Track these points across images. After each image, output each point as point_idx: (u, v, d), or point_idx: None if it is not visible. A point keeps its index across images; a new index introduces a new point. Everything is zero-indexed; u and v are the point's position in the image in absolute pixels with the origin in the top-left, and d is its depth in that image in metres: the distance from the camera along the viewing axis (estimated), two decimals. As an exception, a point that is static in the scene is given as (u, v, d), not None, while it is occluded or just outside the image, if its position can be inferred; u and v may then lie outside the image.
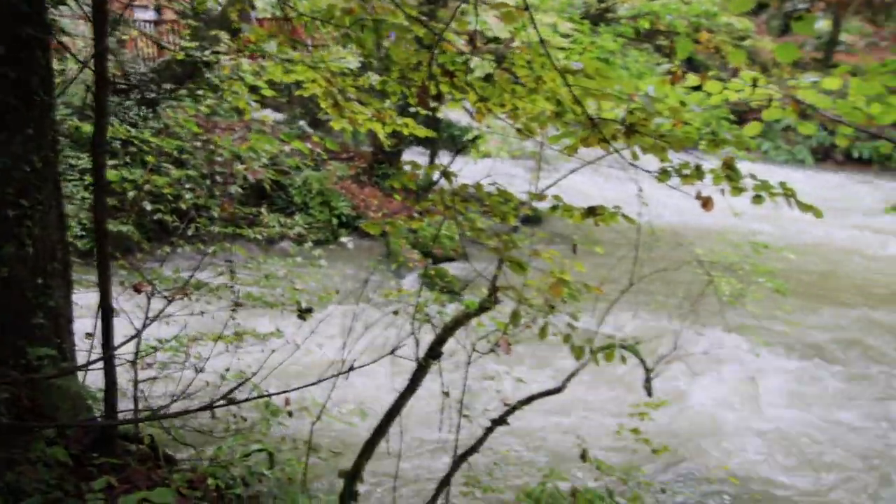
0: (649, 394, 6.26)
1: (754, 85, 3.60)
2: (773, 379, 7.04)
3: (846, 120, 3.50)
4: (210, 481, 4.11)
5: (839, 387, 7.12)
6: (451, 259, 11.49)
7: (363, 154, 15.91)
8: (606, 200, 4.07)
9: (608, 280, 5.15)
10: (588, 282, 4.92)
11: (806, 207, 2.95)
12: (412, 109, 5.21)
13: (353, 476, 4.69)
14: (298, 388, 3.61)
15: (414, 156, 15.03)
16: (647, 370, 6.03)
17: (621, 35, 11.20)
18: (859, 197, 16.53)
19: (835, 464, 5.92)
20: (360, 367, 4.06)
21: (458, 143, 15.35)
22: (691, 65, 20.52)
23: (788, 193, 2.91)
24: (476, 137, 12.09)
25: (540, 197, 3.45)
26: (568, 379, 4.82)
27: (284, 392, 4.40)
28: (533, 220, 11.12)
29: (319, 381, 3.46)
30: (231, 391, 3.62)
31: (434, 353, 4.55)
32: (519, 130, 3.42)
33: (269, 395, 4.55)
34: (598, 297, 5.02)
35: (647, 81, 3.67)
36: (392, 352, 4.05)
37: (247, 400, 3.95)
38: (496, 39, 9.49)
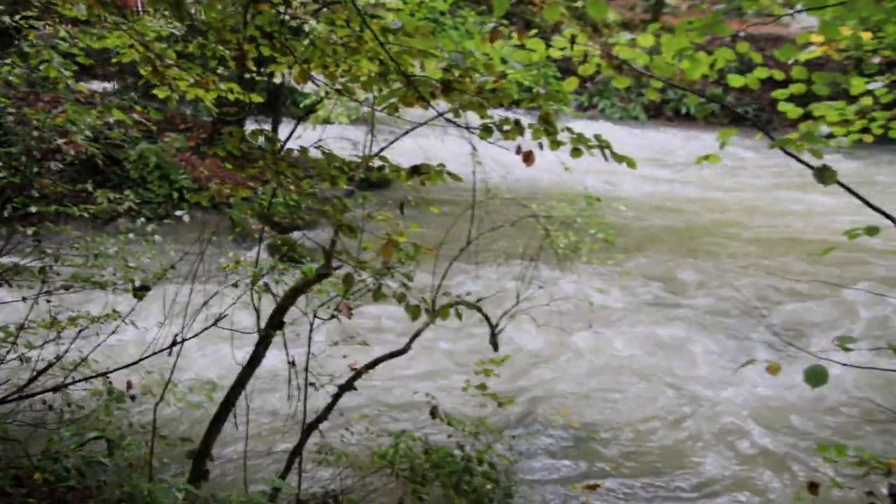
0: (496, 349, 6.43)
1: (572, 42, 3.71)
2: (609, 326, 7.44)
3: (657, 74, 3.67)
4: (37, 475, 3.88)
5: (671, 331, 7.61)
6: (297, 228, 11.29)
7: (203, 124, 15.29)
8: (451, 160, 4.12)
9: (451, 239, 5.22)
10: (428, 242, 4.97)
11: (620, 158, 3.08)
12: (248, 76, 5.03)
13: (201, 455, 4.56)
14: (120, 369, 3.45)
15: (257, 123, 14.60)
16: (492, 326, 6.19)
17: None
18: (684, 148, 17.55)
19: (664, 402, 6.33)
20: (186, 339, 3.92)
21: (303, 110, 15.03)
22: (529, 25, 20.93)
23: (603, 145, 3.03)
24: (316, 102, 11.88)
25: (367, 159, 3.42)
26: (412, 340, 4.87)
27: (106, 374, 4.20)
28: (381, 183, 11.07)
29: (142, 358, 3.32)
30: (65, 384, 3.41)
31: (275, 323, 4.47)
32: (339, 92, 3.37)
33: (88, 379, 4.33)
34: (439, 257, 5.09)
35: (475, 40, 3.71)
36: (215, 323, 3.94)
37: (66, 385, 3.73)
38: None
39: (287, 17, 3.13)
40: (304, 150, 3.34)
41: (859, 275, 9.30)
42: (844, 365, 2.65)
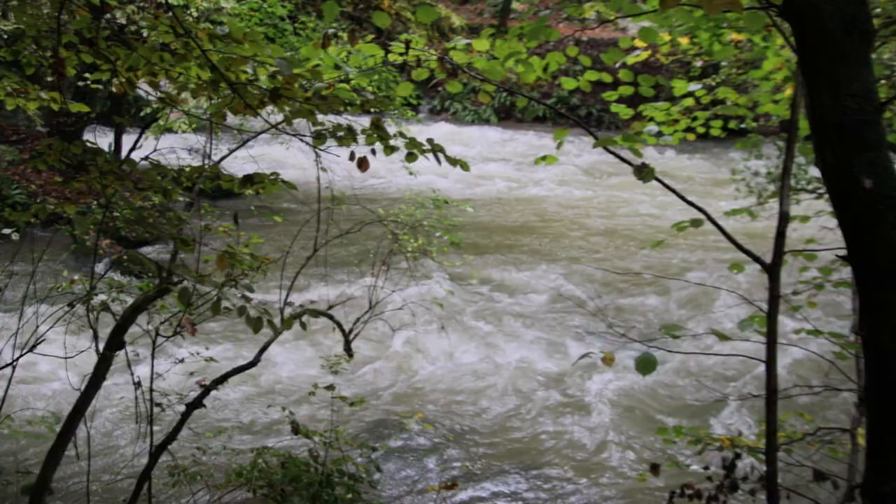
0: (350, 355, 6.39)
1: (407, 47, 3.73)
2: (459, 326, 7.57)
3: (490, 78, 3.75)
4: None
5: (516, 328, 7.84)
6: (146, 242, 10.83)
7: (38, 136, 14.38)
8: (311, 167, 4.05)
9: (298, 248, 5.15)
10: (274, 252, 4.87)
11: (453, 161, 3.12)
12: (81, 83, 4.75)
13: (39, 488, 4.28)
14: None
15: (98, 135, 13.89)
16: (345, 333, 6.15)
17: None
18: (532, 149, 18.10)
19: (513, 398, 6.51)
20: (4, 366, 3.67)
21: (147, 119, 14.42)
22: (380, 32, 20.97)
23: (436, 149, 3.06)
24: (156, 111, 11.42)
25: (198, 170, 3.31)
26: (261, 352, 4.76)
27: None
28: (229, 194, 10.75)
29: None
30: None
31: (115, 343, 4.26)
32: (162, 101, 3.24)
33: None
34: (287, 266, 5.00)
35: (308, 46, 3.66)
36: (31, 349, 3.71)
37: None
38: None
39: (106, 23, 2.98)
40: (131, 162, 3.19)
41: (687, 265, 9.91)
42: (670, 352, 2.79)
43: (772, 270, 2.34)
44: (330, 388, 5.02)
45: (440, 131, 20.25)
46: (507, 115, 23.33)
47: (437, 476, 5.34)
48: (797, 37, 1.87)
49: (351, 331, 6.37)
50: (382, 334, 6.64)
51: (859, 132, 1.78)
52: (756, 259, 2.41)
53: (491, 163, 16.84)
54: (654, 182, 3.09)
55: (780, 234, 2.41)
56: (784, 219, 2.49)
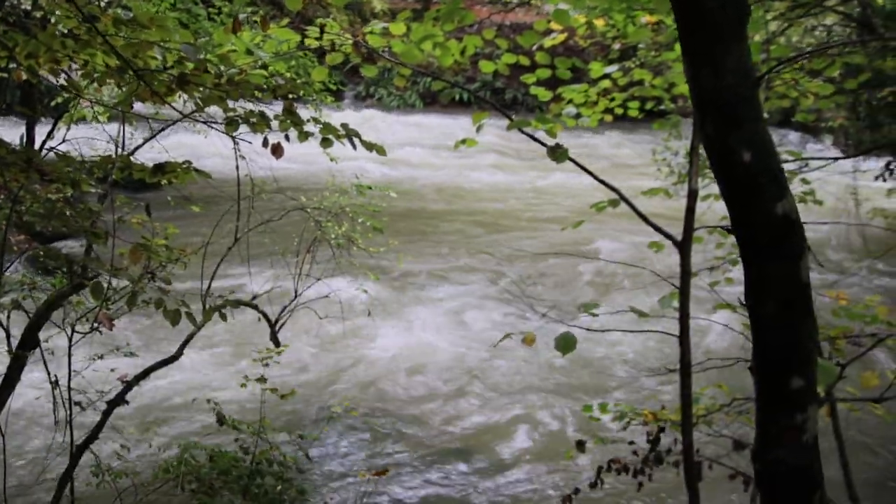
0: (277, 345, 6.32)
1: (322, 32, 3.69)
2: (385, 312, 7.58)
3: (408, 63, 3.73)
4: None
5: (441, 312, 7.89)
6: (64, 236, 10.47)
7: (-60, 129, 13.75)
8: (225, 156, 3.96)
9: (219, 238, 5.05)
10: (194, 243, 4.77)
11: (370, 146, 3.10)
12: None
13: (-51, 497, 4.13)
14: None
15: (10, 125, 13.39)
16: (270, 323, 6.08)
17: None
18: (456, 133, 18.18)
19: (439, 382, 6.54)
20: None
21: (60, 109, 13.90)
22: (303, 17, 20.67)
23: (351, 134, 3.04)
24: (69, 100, 11.03)
25: (107, 161, 3.21)
26: (183, 345, 4.67)
27: None
28: (152, 185, 10.45)
29: None
30: None
31: (29, 341, 4.12)
32: (63, 88, 3.13)
33: None
34: (207, 256, 4.90)
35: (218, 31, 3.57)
36: None
37: None
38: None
39: (10, 8, 2.85)
40: (35, 153, 3.07)
41: (610, 244, 10.12)
42: (589, 330, 2.84)
43: (682, 247, 2.40)
44: (261, 380, 4.96)
45: (364, 117, 20.13)
46: (433, 101, 23.32)
47: (367, 462, 5.34)
48: (677, 15, 1.91)
49: (277, 321, 6.31)
50: (310, 323, 6.58)
51: (737, 107, 1.83)
52: (667, 236, 2.46)
53: (416, 147, 16.84)
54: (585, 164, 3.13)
55: (690, 211, 2.47)
56: (693, 196, 2.55)
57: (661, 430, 4.18)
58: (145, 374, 4.58)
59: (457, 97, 22.89)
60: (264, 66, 5.06)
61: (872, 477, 5.28)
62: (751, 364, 2.14)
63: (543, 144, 2.71)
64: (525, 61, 4.26)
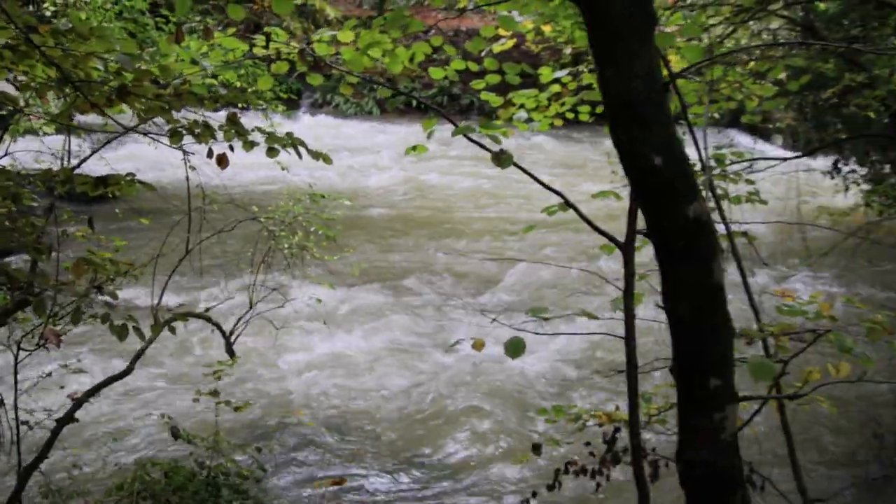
0: (232, 356, 6.26)
1: (268, 40, 3.67)
2: (340, 321, 7.53)
3: (353, 70, 3.73)
4: None
5: (395, 320, 7.87)
6: (9, 252, 10.24)
7: None
8: (178, 167, 3.90)
9: (170, 250, 4.98)
10: (143, 256, 4.71)
11: (316, 155, 3.09)
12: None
13: None
14: None
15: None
16: (225, 335, 6.01)
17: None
18: (412, 139, 18.16)
19: (395, 391, 6.52)
20: None
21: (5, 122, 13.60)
22: (258, 26, 20.53)
23: (297, 143, 3.02)
24: (12, 113, 10.81)
25: (46, 174, 3.15)
26: (134, 360, 4.59)
27: None
28: (102, 197, 10.28)
29: None
30: None
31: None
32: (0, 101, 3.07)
33: None
34: (159, 270, 4.83)
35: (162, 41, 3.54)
36: None
37: None
38: None
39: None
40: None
41: (561, 248, 10.21)
42: (537, 334, 2.86)
43: (625, 249, 2.43)
44: (214, 393, 4.90)
45: (320, 124, 20.03)
46: (391, 108, 23.30)
47: (324, 472, 5.30)
48: (585, 19, 1.93)
49: (232, 332, 6.24)
50: (265, 333, 6.52)
51: (646, 110, 1.86)
52: (611, 239, 2.49)
53: (371, 154, 16.82)
54: (534, 170, 3.15)
55: (632, 214, 2.49)
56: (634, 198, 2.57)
57: (617, 430, 4.21)
58: (96, 390, 4.50)
59: (413, 104, 22.93)
60: (214, 76, 5.02)
61: (820, 468, 5.39)
62: (671, 365, 2.16)
63: (488, 150, 2.73)
64: (474, 67, 4.28)
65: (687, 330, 2.06)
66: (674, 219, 1.90)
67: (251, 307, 5.84)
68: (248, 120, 4.49)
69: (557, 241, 10.44)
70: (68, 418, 4.45)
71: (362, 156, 16.64)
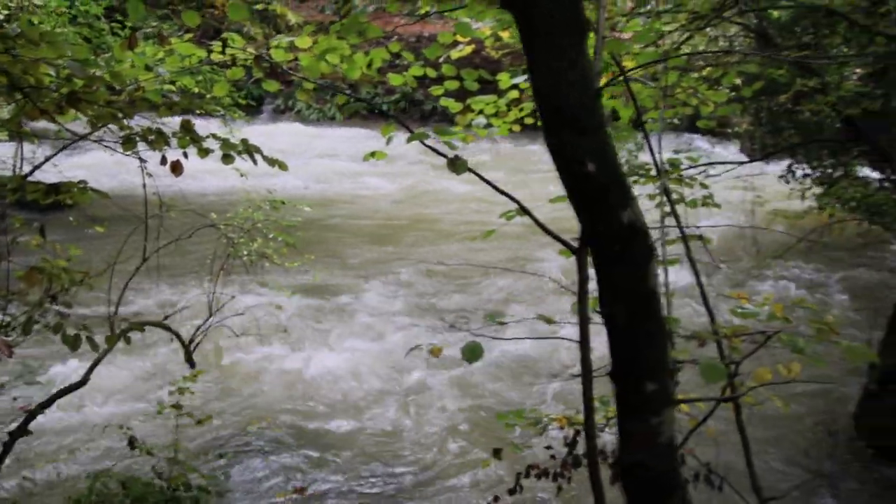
0: (192, 366, 6.20)
1: (224, 46, 3.64)
2: (301, 328, 7.47)
3: (308, 75, 3.72)
4: None
5: (357, 326, 7.84)
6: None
7: None
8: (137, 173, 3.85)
9: (127, 258, 4.92)
10: (98, 264, 4.64)
11: (272, 162, 3.08)
12: None
13: None
14: None
15: None
16: (184, 343, 5.95)
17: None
18: (374, 145, 18.16)
19: (358, 397, 6.49)
20: None
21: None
22: (217, 31, 20.36)
23: (252, 150, 3.01)
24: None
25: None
26: (90, 370, 4.53)
27: None
28: (59, 205, 10.10)
29: None
30: None
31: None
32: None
33: None
34: (116, 279, 4.77)
35: (115, 47, 3.49)
36: None
37: None
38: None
39: None
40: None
41: (520, 253, 10.26)
42: (495, 338, 2.87)
43: (578, 254, 2.44)
44: (176, 406, 4.83)
45: (281, 130, 19.92)
46: (353, 113, 23.23)
47: (286, 481, 5.25)
48: (519, 27, 1.94)
49: (191, 340, 6.18)
50: (225, 342, 6.45)
51: (579, 116, 1.88)
52: (564, 244, 2.50)
53: (332, 160, 16.77)
54: (495, 174, 3.18)
55: (586, 219, 2.51)
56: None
57: (578, 433, 4.24)
58: (50, 401, 4.43)
59: (376, 109, 22.87)
60: (172, 82, 4.97)
61: (776, 466, 5.48)
62: (610, 370, 2.19)
63: (444, 156, 2.73)
64: (432, 73, 4.29)
65: (622, 334, 2.07)
66: (608, 224, 1.92)
67: (210, 315, 5.78)
68: (209, 126, 4.44)
69: (522, 245, 10.48)
70: (21, 431, 4.37)
71: (324, 161, 16.58)
